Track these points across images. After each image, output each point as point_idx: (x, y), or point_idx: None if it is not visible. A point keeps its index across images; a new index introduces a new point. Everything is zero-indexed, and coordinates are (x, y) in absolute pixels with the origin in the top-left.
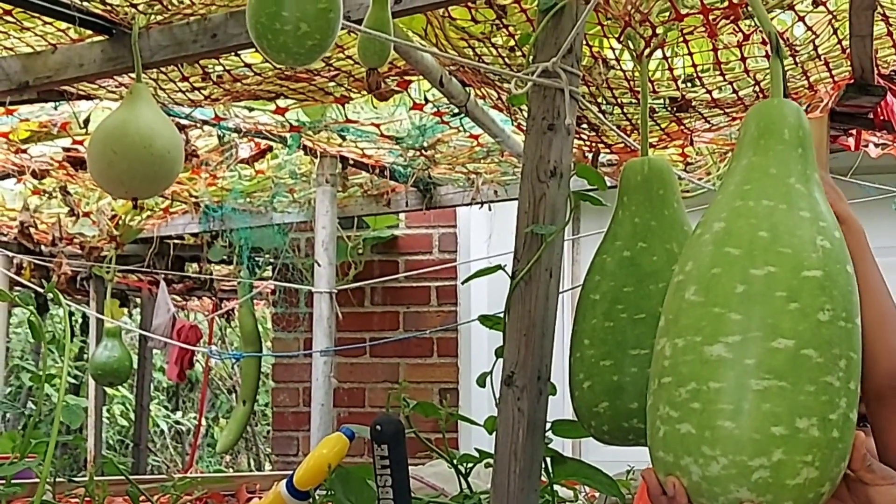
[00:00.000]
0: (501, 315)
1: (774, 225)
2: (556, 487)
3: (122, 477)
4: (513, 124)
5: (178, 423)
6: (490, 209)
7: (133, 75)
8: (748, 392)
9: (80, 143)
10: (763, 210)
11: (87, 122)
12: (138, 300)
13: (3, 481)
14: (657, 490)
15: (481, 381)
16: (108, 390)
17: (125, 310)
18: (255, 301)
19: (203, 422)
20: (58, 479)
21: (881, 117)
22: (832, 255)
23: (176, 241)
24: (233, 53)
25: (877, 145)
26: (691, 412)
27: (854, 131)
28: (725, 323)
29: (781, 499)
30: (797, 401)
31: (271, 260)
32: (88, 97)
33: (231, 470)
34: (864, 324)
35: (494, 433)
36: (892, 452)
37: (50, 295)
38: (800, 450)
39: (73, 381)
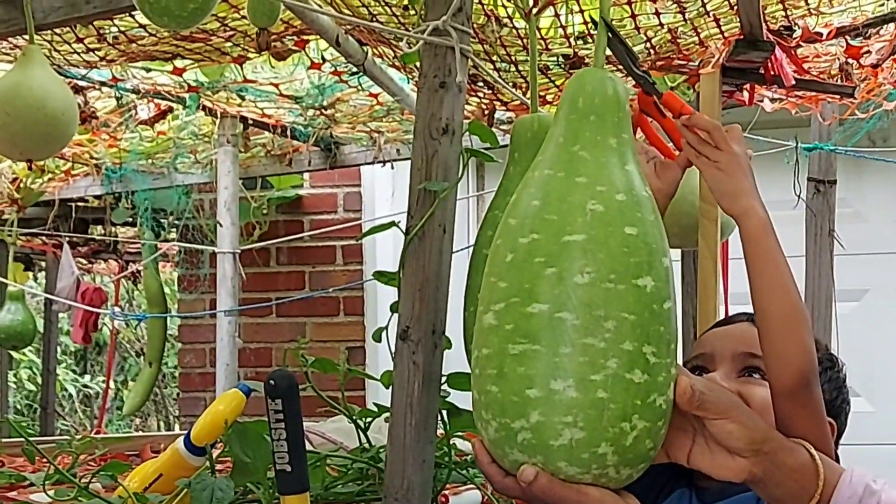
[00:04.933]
0: (396, 271)
1: (547, 193)
2: (455, 440)
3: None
4: (410, 83)
5: (86, 386)
6: (393, 167)
7: (27, 37)
8: (506, 356)
9: None
10: (543, 179)
11: None
12: (43, 263)
13: None
14: None
15: (377, 336)
16: (15, 355)
17: (30, 273)
18: (161, 263)
19: (111, 385)
20: None
21: (771, 72)
22: (604, 218)
23: (79, 203)
24: (127, 14)
25: (772, 100)
26: (475, 379)
27: (747, 86)
28: (495, 291)
29: (552, 460)
30: (551, 363)
31: (175, 221)
32: None
33: (141, 432)
34: (770, 319)
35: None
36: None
37: None
38: (557, 411)
39: None
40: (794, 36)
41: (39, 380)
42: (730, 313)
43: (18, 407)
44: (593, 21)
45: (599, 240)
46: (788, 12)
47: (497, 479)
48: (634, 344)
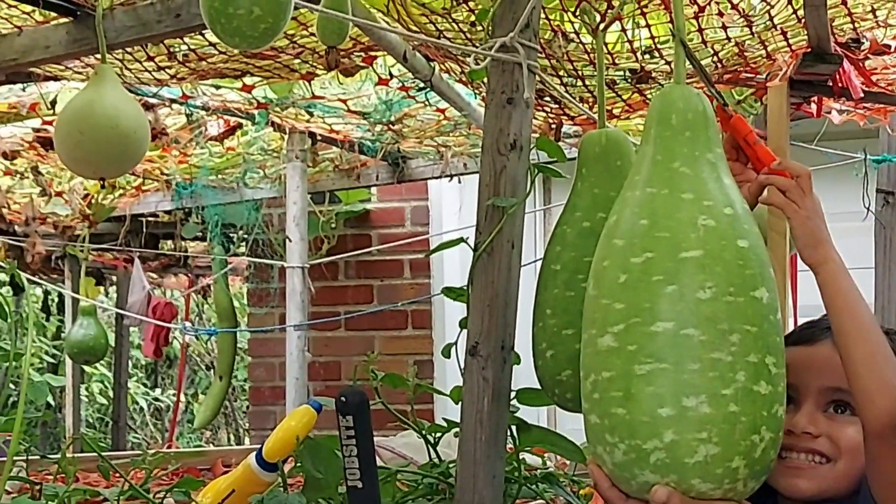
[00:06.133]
0: (465, 287)
1: (654, 211)
2: (525, 455)
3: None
4: (477, 98)
5: (157, 400)
6: (460, 181)
7: (99, 56)
8: (633, 377)
9: (50, 123)
10: (645, 198)
11: (54, 103)
12: (114, 278)
13: None
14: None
15: (446, 352)
16: (87, 368)
17: (101, 288)
18: (230, 277)
19: (182, 398)
20: (31, 457)
21: (839, 84)
22: (716, 232)
23: (150, 218)
24: (197, 33)
25: (839, 112)
26: (595, 403)
27: (815, 99)
28: (611, 313)
29: (686, 478)
30: (681, 380)
31: (244, 236)
32: (56, 78)
33: (211, 446)
34: (854, 360)
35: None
36: (885, 482)
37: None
38: (691, 428)
39: (51, 360)
40: (863, 48)
41: (111, 393)
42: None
43: (90, 420)
44: (680, 41)
45: (715, 254)
46: (856, 25)
47: (619, 503)
48: (758, 356)
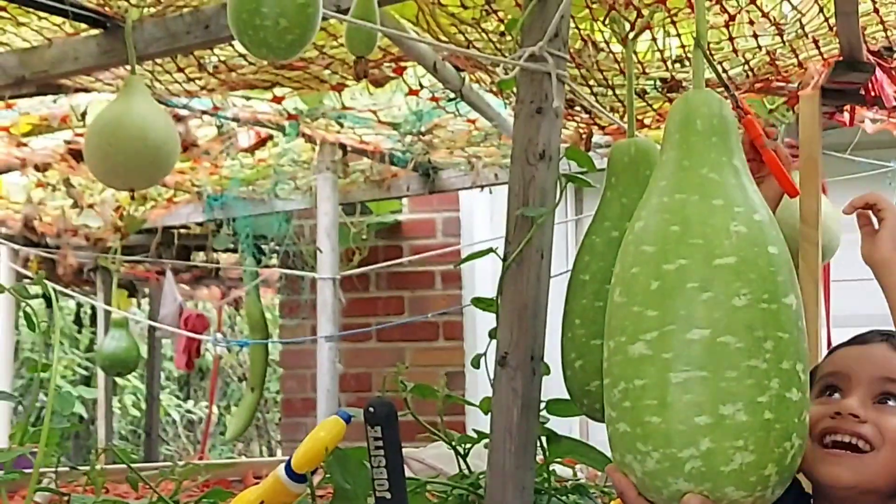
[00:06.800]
0: (495, 297)
1: (686, 218)
2: (555, 466)
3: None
4: (507, 107)
5: (189, 412)
6: (491, 192)
7: (129, 67)
8: (669, 385)
9: (81, 135)
10: (676, 204)
11: (84, 114)
12: (146, 290)
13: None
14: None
15: (475, 363)
16: (120, 381)
17: (133, 300)
18: (262, 288)
19: (214, 410)
20: (61, 469)
21: (872, 93)
22: (748, 239)
23: (181, 230)
24: (226, 44)
25: (873, 121)
26: (625, 411)
27: (848, 108)
28: (643, 320)
29: (720, 486)
30: (719, 388)
31: (276, 247)
32: (86, 90)
33: (243, 457)
34: None
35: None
36: None
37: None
38: (728, 436)
39: (84, 372)
40: (895, 56)
41: (144, 405)
42: (832, 336)
43: (124, 433)
44: (697, 44)
45: (749, 261)
46: (888, 33)
47: None
48: (790, 362)
